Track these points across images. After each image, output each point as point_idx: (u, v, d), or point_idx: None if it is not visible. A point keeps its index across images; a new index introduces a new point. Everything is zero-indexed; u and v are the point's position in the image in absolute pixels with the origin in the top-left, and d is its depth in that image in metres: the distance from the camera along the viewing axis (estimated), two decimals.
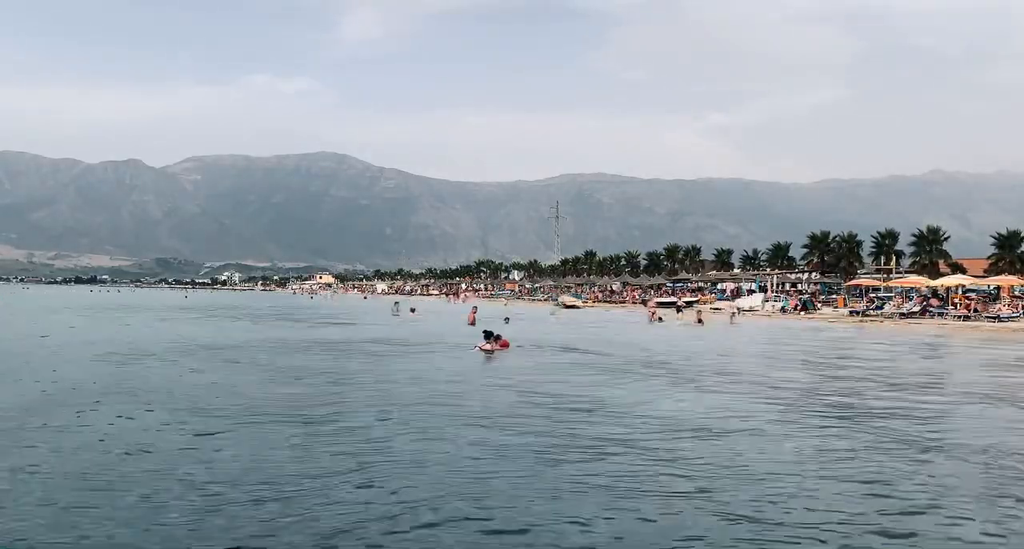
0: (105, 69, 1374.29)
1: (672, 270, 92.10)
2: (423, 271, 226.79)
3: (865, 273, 62.52)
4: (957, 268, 56.37)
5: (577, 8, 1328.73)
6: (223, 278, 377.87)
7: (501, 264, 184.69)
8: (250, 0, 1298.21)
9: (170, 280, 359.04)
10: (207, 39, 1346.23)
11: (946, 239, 61.30)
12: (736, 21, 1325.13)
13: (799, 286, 66.52)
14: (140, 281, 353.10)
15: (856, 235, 67.92)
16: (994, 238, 57.78)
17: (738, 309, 54.10)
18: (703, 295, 69.64)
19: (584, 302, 73.21)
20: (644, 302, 67.12)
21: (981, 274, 51.33)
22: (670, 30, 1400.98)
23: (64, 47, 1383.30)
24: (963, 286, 46.51)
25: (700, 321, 37.66)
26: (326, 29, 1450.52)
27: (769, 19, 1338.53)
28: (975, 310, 40.28)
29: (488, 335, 21.52)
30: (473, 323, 34.98)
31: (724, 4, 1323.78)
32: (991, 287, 47.91)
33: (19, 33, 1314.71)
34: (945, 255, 60.67)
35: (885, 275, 56.67)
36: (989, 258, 57.16)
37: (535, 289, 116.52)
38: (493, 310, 51.86)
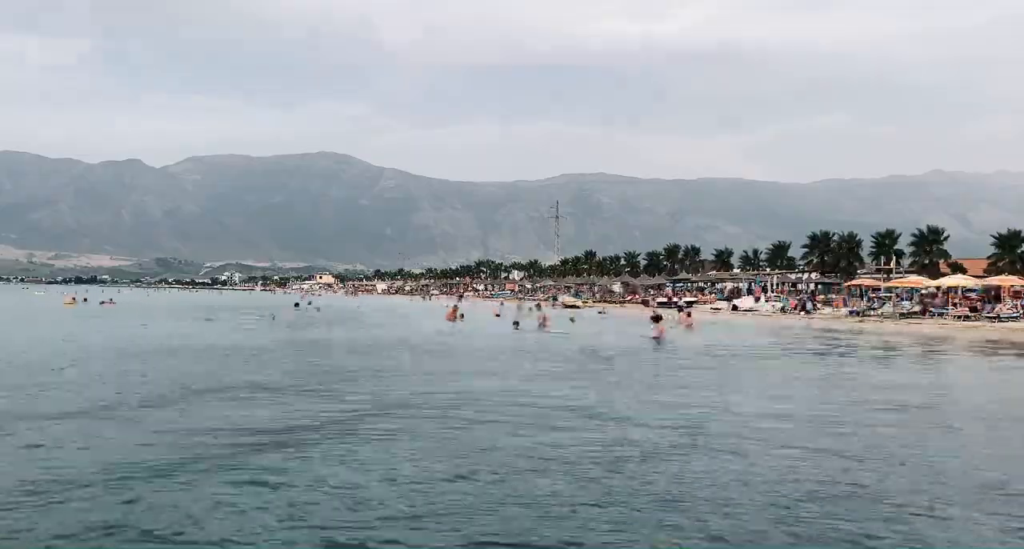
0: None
1: (672, 270, 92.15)
2: (423, 271, 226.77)
3: (865, 273, 62.42)
4: (957, 268, 56.27)
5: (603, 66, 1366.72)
6: (223, 278, 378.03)
7: (501, 264, 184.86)
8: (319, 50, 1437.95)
9: (170, 280, 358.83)
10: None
11: (946, 239, 61.26)
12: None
13: (799, 286, 66.50)
14: (140, 281, 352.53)
15: (856, 235, 67.87)
16: (994, 238, 57.71)
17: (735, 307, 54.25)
18: (703, 295, 69.69)
19: (584, 302, 73.22)
20: (645, 302, 67.18)
21: (981, 274, 51.28)
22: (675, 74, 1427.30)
23: None
24: (963, 286, 46.49)
25: (689, 326, 33.97)
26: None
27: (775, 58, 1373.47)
28: (975, 310, 40.30)
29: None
30: (453, 319, 36.59)
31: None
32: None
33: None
34: (945, 255, 60.63)
35: (885, 275, 56.61)
36: (989, 258, 57.04)
37: (534, 289, 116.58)
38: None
